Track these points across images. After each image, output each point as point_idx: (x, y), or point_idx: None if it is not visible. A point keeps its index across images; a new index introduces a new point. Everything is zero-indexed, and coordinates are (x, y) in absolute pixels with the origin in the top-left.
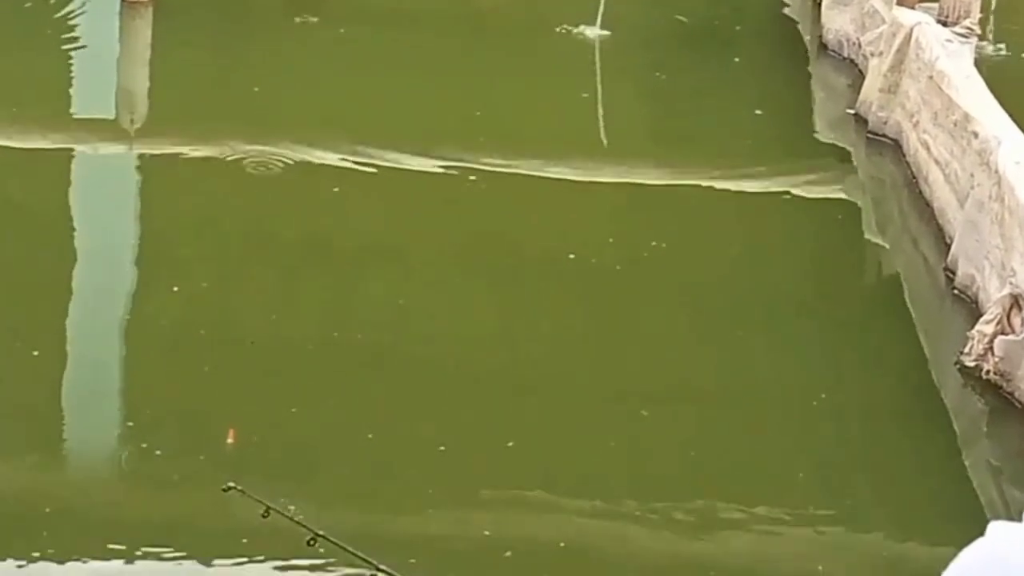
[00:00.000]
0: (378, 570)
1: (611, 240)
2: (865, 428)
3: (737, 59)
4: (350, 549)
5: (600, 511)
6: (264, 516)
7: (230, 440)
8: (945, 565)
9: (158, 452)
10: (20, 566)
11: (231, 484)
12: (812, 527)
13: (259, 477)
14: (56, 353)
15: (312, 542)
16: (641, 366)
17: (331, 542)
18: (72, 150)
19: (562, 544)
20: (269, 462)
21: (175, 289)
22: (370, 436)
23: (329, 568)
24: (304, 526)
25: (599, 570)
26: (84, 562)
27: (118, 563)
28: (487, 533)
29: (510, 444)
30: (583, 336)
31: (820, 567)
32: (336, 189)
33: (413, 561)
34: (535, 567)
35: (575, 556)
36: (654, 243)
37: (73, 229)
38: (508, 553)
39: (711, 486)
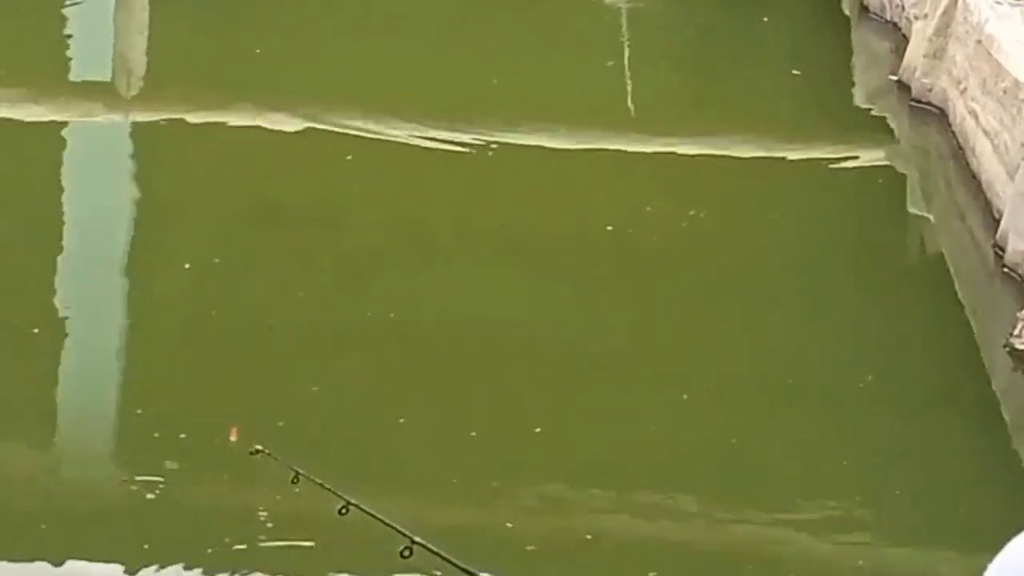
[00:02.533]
0: (413, 543)
1: (649, 209)
2: (911, 414)
3: (766, 19)
4: (383, 519)
5: (629, 503)
6: (293, 482)
7: (232, 438)
8: (992, 557)
9: (171, 439)
10: (24, 562)
11: (259, 447)
12: (855, 517)
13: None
14: (59, 334)
15: (344, 511)
16: (680, 347)
17: (363, 511)
18: (67, 117)
19: (588, 537)
20: (292, 447)
21: (186, 267)
22: (402, 421)
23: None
24: (336, 494)
25: (626, 565)
26: (88, 556)
27: (125, 556)
28: (510, 525)
29: (538, 430)
30: (621, 315)
31: (861, 562)
32: (349, 157)
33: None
34: (558, 562)
35: (602, 549)
36: (692, 212)
37: (69, 201)
38: (531, 547)
39: (752, 476)
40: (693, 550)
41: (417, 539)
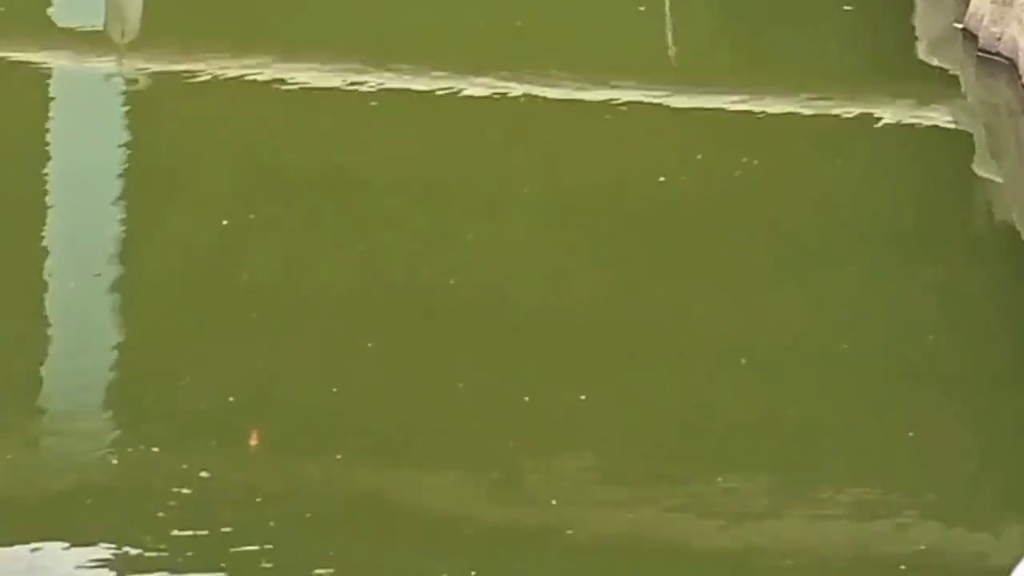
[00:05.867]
0: None
1: (697, 158)
2: (976, 388)
3: None
4: None
5: (678, 476)
6: None
7: (253, 442)
8: None
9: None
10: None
11: None
12: (920, 495)
13: (327, 434)
14: (62, 319)
15: None
16: (736, 309)
17: None
18: (55, 68)
19: (630, 515)
20: (342, 415)
21: (224, 222)
22: (461, 386)
23: None
24: None
25: (662, 554)
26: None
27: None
28: (554, 502)
29: (583, 397)
30: (670, 277)
31: (923, 545)
32: (375, 103)
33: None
34: (596, 550)
35: (640, 536)
36: (741, 165)
37: (55, 160)
38: (570, 531)
39: (810, 449)
40: (747, 525)
41: None
